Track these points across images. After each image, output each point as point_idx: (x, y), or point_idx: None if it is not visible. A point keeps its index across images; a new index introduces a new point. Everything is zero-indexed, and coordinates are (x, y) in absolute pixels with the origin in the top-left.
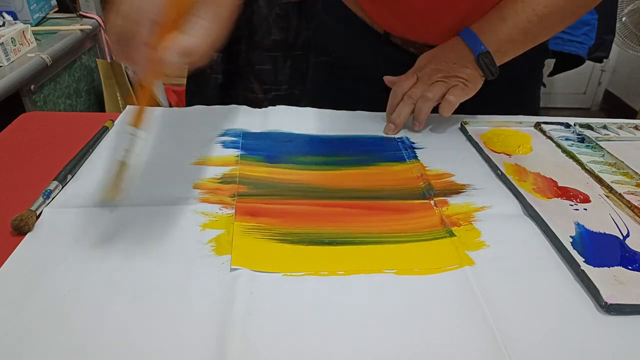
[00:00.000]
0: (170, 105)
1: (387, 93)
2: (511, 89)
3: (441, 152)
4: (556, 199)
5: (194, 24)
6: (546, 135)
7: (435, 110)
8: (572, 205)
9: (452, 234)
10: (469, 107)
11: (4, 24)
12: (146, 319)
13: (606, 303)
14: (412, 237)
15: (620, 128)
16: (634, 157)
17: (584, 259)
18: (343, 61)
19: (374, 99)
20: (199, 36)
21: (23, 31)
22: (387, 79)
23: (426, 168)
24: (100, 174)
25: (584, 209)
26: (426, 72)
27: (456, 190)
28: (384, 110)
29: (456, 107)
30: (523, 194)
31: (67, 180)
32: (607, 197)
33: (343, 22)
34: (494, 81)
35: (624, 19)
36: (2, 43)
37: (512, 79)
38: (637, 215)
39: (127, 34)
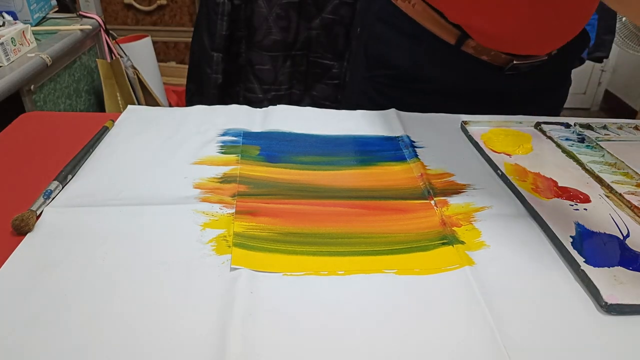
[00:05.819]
0: (170, 105)
1: (459, 102)
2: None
3: (442, 152)
4: (556, 199)
5: None
6: (546, 135)
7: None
8: (572, 205)
9: (455, 241)
10: (506, 106)
11: (3, 24)
12: (146, 319)
13: (606, 303)
14: (413, 243)
15: (620, 128)
16: (634, 157)
17: (584, 259)
18: (409, 75)
19: (444, 110)
20: None
21: (23, 31)
22: None
23: (427, 167)
24: (101, 174)
25: (584, 209)
26: None
27: (456, 190)
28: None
29: None
30: (523, 194)
31: (68, 180)
32: (607, 197)
33: (408, 37)
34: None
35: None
36: (2, 43)
37: (560, 75)
38: (637, 215)
39: None
